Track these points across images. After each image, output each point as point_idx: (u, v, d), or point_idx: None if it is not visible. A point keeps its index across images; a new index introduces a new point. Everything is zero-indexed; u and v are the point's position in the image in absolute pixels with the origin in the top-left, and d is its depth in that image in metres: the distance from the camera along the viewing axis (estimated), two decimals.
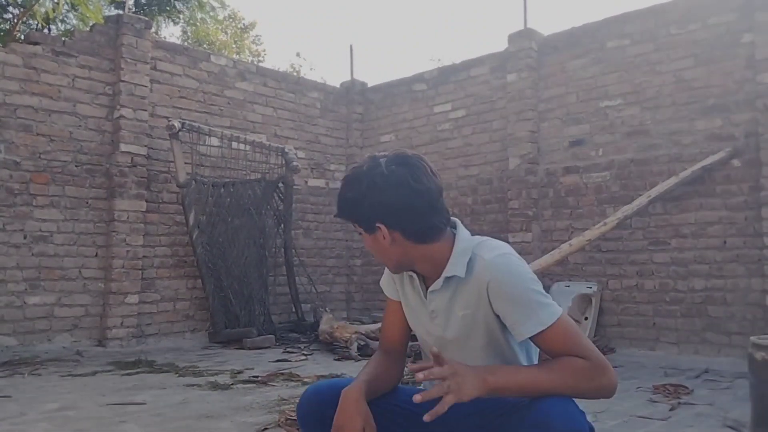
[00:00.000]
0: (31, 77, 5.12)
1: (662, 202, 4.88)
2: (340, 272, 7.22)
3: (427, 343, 1.54)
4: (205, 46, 13.60)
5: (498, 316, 1.40)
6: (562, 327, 1.32)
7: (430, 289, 1.47)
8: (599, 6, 26.58)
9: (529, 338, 1.35)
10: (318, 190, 7.16)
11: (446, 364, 1.24)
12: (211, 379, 3.86)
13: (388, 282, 1.62)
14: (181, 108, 5.99)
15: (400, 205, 1.37)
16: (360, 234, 1.48)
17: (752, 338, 2.39)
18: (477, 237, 1.49)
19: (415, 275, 1.51)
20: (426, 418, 1.20)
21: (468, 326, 1.44)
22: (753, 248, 4.50)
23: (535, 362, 1.50)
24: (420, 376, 1.23)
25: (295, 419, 2.66)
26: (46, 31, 9.38)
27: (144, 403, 3.18)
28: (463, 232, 1.47)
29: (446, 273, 1.42)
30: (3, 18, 10.22)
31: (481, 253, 1.41)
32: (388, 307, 1.63)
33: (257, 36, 20.78)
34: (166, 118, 5.74)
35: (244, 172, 6.16)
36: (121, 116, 5.46)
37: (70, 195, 5.27)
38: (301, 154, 6.87)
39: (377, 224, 1.42)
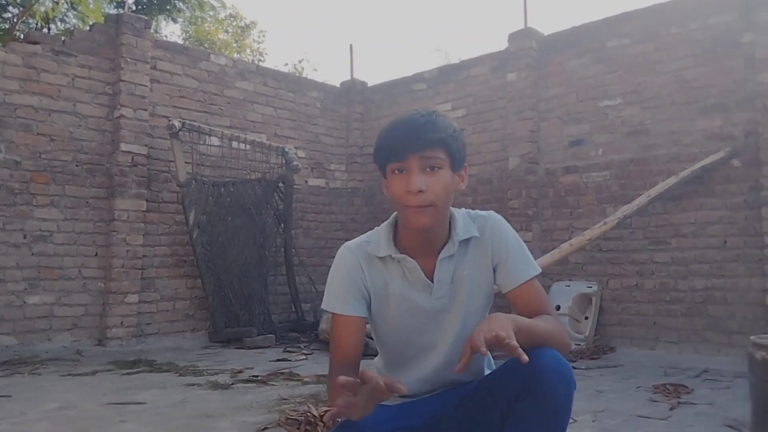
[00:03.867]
0: (31, 77, 5.12)
1: (662, 201, 4.88)
2: None
3: (415, 329, 1.47)
4: (205, 45, 13.60)
5: (494, 272, 1.46)
6: (539, 283, 1.47)
7: (441, 256, 1.42)
8: (599, 6, 26.59)
9: (512, 290, 1.44)
10: (318, 189, 7.16)
11: (470, 337, 1.20)
12: (211, 378, 3.86)
13: (344, 298, 1.45)
14: (181, 107, 5.99)
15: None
16: (430, 169, 1.34)
17: (752, 338, 2.39)
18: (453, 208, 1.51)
19: (407, 258, 1.43)
20: (458, 369, 1.17)
21: (469, 287, 1.44)
22: (753, 248, 4.50)
23: None
24: (462, 364, 1.17)
25: (295, 419, 2.67)
26: (45, 30, 9.38)
27: (144, 403, 3.18)
28: None
29: (460, 236, 1.43)
30: (2, 17, 10.22)
31: (478, 214, 1.51)
32: (345, 327, 1.45)
33: (262, 32, 20.85)
34: (167, 117, 5.74)
35: (244, 172, 6.16)
36: (122, 116, 5.46)
37: (70, 194, 5.27)
38: (301, 153, 6.87)
39: (465, 163, 1.44)
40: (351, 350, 1.45)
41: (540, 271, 1.47)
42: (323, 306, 1.50)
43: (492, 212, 1.52)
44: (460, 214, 1.48)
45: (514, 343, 1.15)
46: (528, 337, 1.25)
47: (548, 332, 1.32)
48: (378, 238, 1.48)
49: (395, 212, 1.47)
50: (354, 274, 1.46)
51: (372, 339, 1.58)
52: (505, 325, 1.20)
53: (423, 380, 1.49)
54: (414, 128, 1.34)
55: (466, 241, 1.45)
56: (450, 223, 1.45)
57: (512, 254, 1.45)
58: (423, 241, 1.43)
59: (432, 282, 1.44)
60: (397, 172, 1.36)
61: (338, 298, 1.46)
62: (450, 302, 1.45)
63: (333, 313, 1.47)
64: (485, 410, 1.36)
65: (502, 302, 1.55)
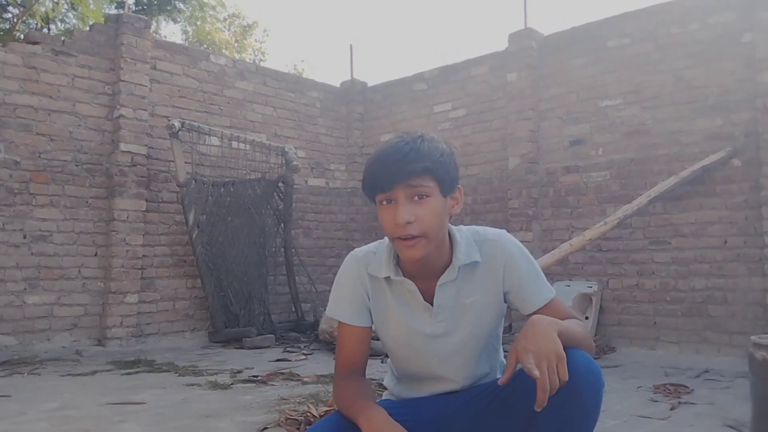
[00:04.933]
0: (31, 77, 5.12)
1: (662, 201, 4.87)
2: None
3: (416, 352, 1.46)
4: (205, 45, 13.60)
5: (504, 297, 1.44)
6: (559, 301, 1.46)
7: (440, 281, 1.40)
8: (599, 5, 26.58)
9: (531, 314, 1.40)
10: (318, 189, 7.15)
11: (513, 350, 1.20)
12: (211, 378, 3.85)
13: (350, 308, 1.46)
14: (180, 107, 5.99)
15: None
16: (418, 198, 1.30)
17: (753, 338, 2.39)
18: (460, 226, 1.47)
19: (407, 281, 1.43)
20: (502, 382, 1.21)
21: (477, 313, 1.42)
22: (753, 247, 4.49)
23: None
24: (506, 378, 1.21)
25: (295, 419, 2.67)
26: (45, 30, 9.38)
27: (144, 403, 3.17)
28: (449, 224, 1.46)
29: (461, 261, 1.39)
30: (3, 18, 10.22)
31: (486, 237, 1.45)
32: (349, 336, 1.46)
33: (266, 31, 20.88)
34: (166, 117, 5.74)
35: (244, 172, 6.16)
36: (121, 116, 5.46)
37: (70, 194, 5.27)
38: (301, 153, 6.87)
39: (458, 185, 1.40)
40: (356, 358, 1.46)
41: (554, 293, 1.44)
42: (327, 313, 1.50)
43: (503, 233, 1.47)
44: (463, 237, 1.44)
45: (550, 384, 1.15)
46: (565, 341, 1.26)
47: (583, 336, 1.34)
48: (380, 254, 1.45)
49: None
50: (358, 285, 1.46)
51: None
52: (552, 341, 1.19)
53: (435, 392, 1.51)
54: (398, 158, 1.30)
55: (470, 266, 1.42)
56: (452, 246, 1.42)
57: (525, 281, 1.42)
58: (422, 267, 1.40)
59: (432, 305, 1.42)
60: (385, 203, 1.33)
61: (343, 307, 1.47)
62: (454, 328, 1.43)
63: (339, 322, 1.47)
64: (508, 408, 1.37)
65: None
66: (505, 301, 1.47)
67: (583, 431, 1.26)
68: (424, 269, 1.41)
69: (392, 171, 1.30)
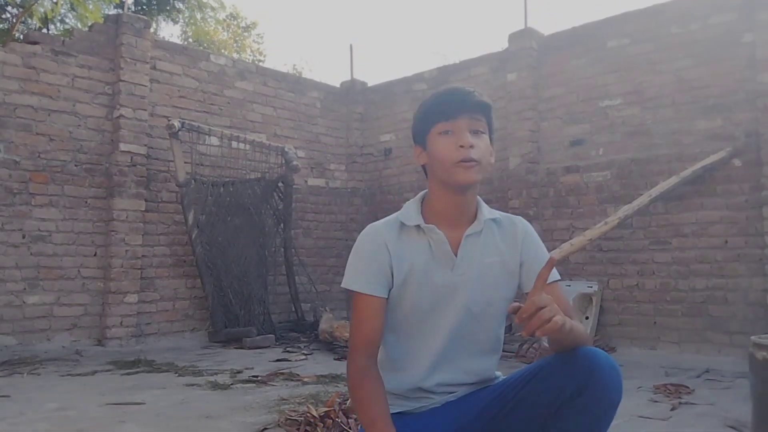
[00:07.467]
0: (31, 77, 5.11)
1: (663, 201, 4.87)
2: (340, 272, 7.16)
3: (432, 308, 1.47)
4: (204, 45, 13.58)
5: (520, 267, 1.52)
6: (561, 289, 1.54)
7: (468, 231, 1.48)
8: (599, 6, 26.58)
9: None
10: (318, 189, 7.15)
11: (536, 297, 1.23)
12: (211, 378, 3.85)
13: (375, 276, 1.45)
14: (180, 107, 5.99)
15: None
16: (475, 132, 1.45)
17: (753, 338, 2.38)
18: None
19: (435, 229, 1.47)
20: (524, 333, 1.22)
21: (492, 277, 1.48)
22: (754, 248, 4.49)
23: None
24: (515, 305, 1.23)
25: (295, 419, 2.66)
26: (44, 31, 9.37)
27: (143, 403, 3.17)
28: None
29: (485, 216, 1.51)
30: (2, 18, 10.21)
31: (505, 214, 1.61)
32: (369, 307, 1.43)
33: (259, 35, 20.85)
34: (166, 117, 5.73)
35: (244, 172, 6.15)
36: (121, 116, 5.46)
37: (69, 194, 5.26)
38: (301, 153, 6.86)
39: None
40: (374, 332, 1.44)
41: (560, 278, 1.54)
42: (345, 285, 1.47)
43: (521, 217, 1.63)
44: (482, 201, 1.57)
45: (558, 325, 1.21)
46: (572, 337, 1.32)
47: (585, 334, 1.39)
48: (408, 210, 1.52)
49: (422, 191, 1.54)
50: (380, 254, 1.46)
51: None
52: (558, 315, 1.23)
53: (435, 363, 1.48)
54: (465, 92, 1.47)
55: (492, 228, 1.52)
56: (477, 204, 1.54)
57: (541, 255, 1.52)
58: (454, 212, 1.48)
59: (456, 257, 1.47)
60: (444, 133, 1.44)
61: (365, 277, 1.45)
62: (470, 285, 1.46)
63: (357, 293, 1.45)
64: (530, 411, 1.39)
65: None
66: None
67: (606, 425, 1.33)
68: (454, 216, 1.48)
69: (460, 101, 1.45)
